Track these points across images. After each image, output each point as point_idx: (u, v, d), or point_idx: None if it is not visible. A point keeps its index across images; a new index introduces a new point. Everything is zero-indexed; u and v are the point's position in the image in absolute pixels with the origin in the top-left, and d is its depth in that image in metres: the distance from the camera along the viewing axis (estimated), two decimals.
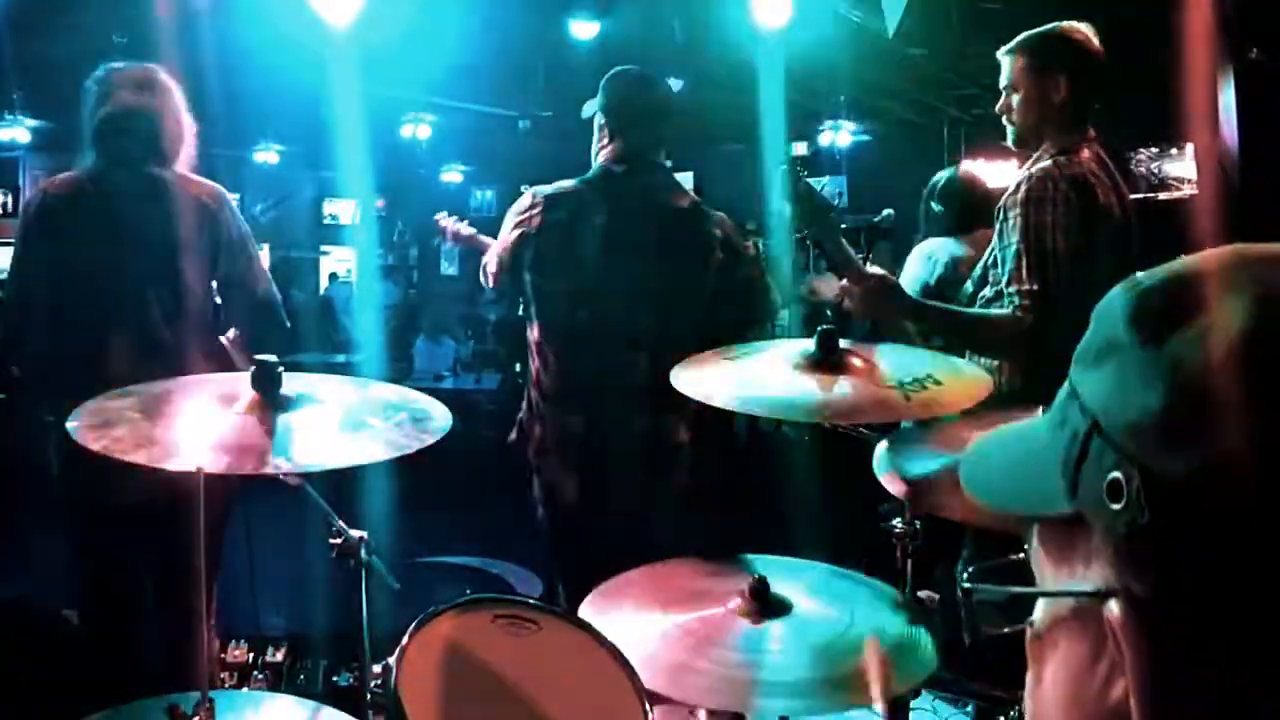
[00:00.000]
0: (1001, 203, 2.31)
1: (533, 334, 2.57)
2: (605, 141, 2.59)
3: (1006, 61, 2.41)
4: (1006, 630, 0.64)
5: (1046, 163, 2.28)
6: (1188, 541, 0.48)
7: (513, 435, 2.64)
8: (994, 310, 2.28)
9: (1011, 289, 2.21)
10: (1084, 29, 2.37)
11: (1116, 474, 0.50)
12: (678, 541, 2.20)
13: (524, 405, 2.62)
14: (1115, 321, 0.53)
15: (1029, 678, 0.61)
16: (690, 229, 2.55)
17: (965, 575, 0.65)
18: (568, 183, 2.58)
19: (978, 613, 0.63)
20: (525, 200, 2.58)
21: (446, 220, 3.19)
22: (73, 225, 2.46)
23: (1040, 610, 0.60)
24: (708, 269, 2.52)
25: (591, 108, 2.65)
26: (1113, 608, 0.52)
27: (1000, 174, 6.89)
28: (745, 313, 2.61)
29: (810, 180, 2.21)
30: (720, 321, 2.49)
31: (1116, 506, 0.50)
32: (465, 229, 3.14)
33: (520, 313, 2.73)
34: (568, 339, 2.51)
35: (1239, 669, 0.48)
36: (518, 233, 2.54)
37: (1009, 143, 2.45)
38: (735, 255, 2.57)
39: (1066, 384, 0.57)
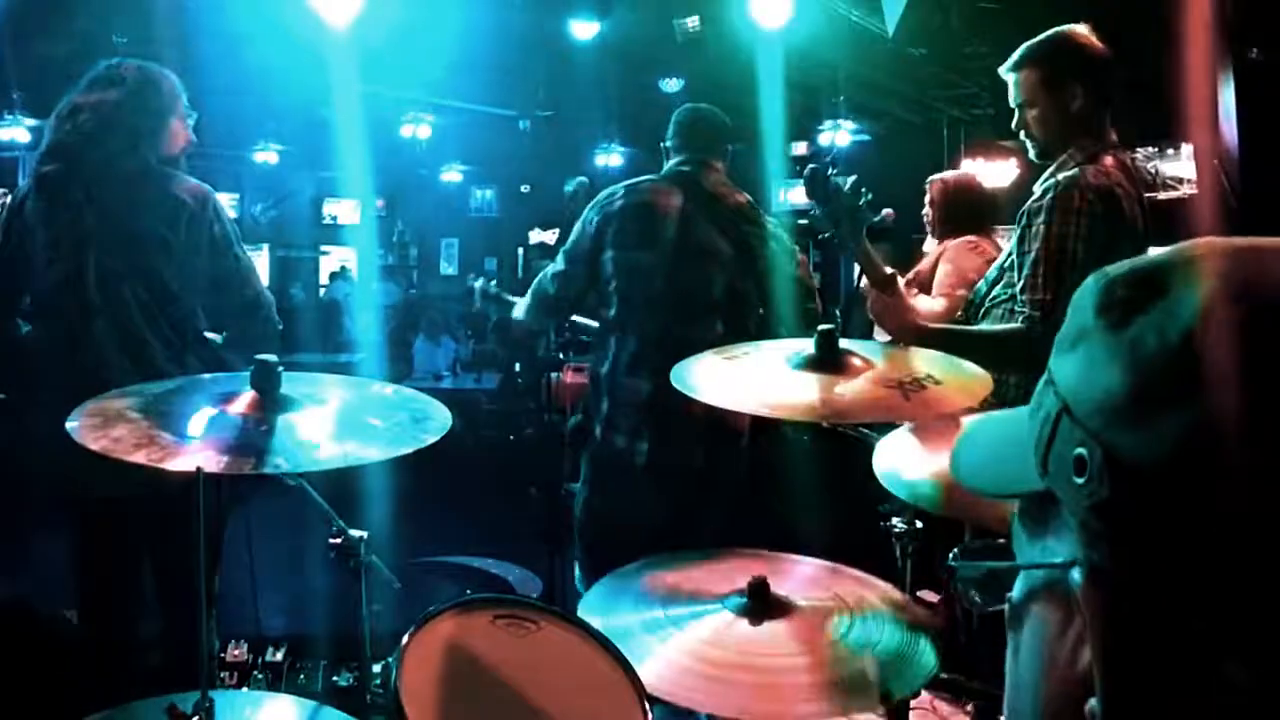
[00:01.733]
0: (1025, 208, 2.27)
1: (608, 312, 2.86)
2: (671, 158, 2.96)
3: (1014, 78, 2.33)
4: (990, 609, 0.66)
5: (1073, 171, 2.23)
6: (1142, 515, 0.51)
7: (577, 416, 2.93)
8: (1004, 326, 2.27)
9: (1024, 297, 2.20)
10: (1084, 30, 2.31)
11: (1081, 450, 0.53)
12: (725, 527, 2.52)
13: (590, 387, 2.89)
14: (1085, 309, 0.57)
15: (1008, 649, 0.64)
16: (750, 220, 2.86)
17: (951, 555, 0.67)
18: (643, 177, 2.94)
19: (962, 590, 0.67)
20: (604, 192, 2.92)
21: (476, 284, 3.50)
22: (47, 221, 2.46)
23: (1019, 585, 0.63)
24: (762, 256, 2.82)
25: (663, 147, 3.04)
26: (1076, 577, 0.55)
27: (1000, 174, 6.91)
28: (795, 308, 2.82)
29: (838, 179, 2.19)
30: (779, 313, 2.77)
31: (1080, 481, 0.53)
32: (492, 290, 3.47)
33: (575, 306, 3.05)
34: (646, 306, 2.78)
35: (1190, 636, 0.50)
36: (600, 215, 2.84)
37: (1032, 157, 2.39)
38: (788, 254, 2.86)
39: (1045, 372, 0.60)
